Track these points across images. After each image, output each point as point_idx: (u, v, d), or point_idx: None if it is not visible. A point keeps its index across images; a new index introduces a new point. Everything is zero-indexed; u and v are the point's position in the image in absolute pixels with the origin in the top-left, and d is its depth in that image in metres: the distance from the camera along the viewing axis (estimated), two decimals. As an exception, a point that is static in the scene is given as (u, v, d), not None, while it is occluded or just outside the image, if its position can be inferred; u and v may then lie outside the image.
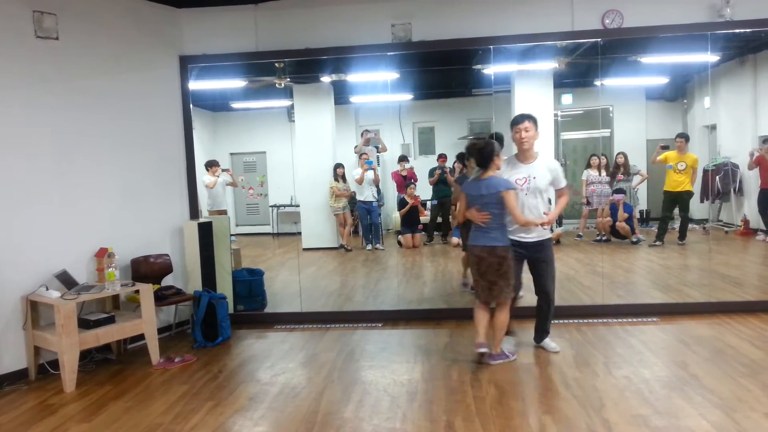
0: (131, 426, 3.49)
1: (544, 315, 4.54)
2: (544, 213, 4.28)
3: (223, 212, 7.81)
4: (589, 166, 9.08)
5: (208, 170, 7.92)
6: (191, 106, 5.71)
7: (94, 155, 4.89)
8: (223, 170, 8.17)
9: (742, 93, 8.69)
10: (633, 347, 4.49)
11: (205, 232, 5.54)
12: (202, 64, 5.73)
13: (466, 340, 4.80)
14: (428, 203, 9.38)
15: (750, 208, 8.48)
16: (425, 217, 9.46)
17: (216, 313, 5.11)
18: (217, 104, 8.91)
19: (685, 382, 3.77)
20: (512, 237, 4.27)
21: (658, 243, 8.06)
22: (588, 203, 8.96)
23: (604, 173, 8.95)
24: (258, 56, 5.69)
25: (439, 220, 9.00)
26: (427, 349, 4.66)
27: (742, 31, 5.90)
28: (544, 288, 4.44)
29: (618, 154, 8.79)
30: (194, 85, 5.78)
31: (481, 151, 4.16)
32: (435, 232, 9.15)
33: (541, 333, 4.62)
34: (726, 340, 4.53)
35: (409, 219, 9.27)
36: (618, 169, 8.69)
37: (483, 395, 3.70)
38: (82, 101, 4.80)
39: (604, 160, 8.91)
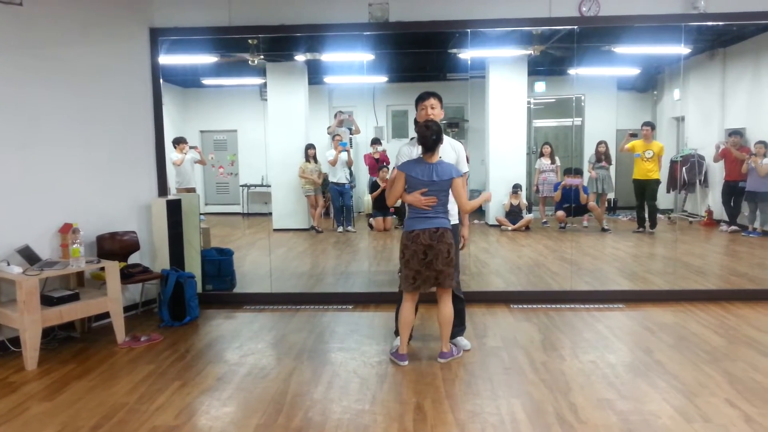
0: (95, 405, 3.42)
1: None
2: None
3: (192, 190, 7.68)
4: (541, 154, 9.23)
5: (175, 147, 7.77)
6: (161, 81, 5.56)
7: (58, 128, 4.73)
8: (190, 147, 8.03)
9: (710, 86, 8.85)
10: (599, 333, 4.57)
11: (174, 209, 5.43)
12: (173, 37, 5.58)
13: (434, 323, 4.82)
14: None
15: (714, 199, 8.69)
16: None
17: (184, 292, 5.03)
18: (188, 80, 8.74)
19: (650, 367, 3.84)
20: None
21: (640, 230, 8.24)
22: (537, 191, 9.13)
23: (554, 161, 9.15)
24: (231, 31, 5.56)
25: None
26: (397, 332, 4.66)
27: (714, 24, 6.00)
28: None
29: (600, 142, 8.92)
30: (164, 59, 5.62)
31: (434, 134, 3.79)
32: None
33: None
34: (689, 328, 4.64)
35: (381, 202, 9.25)
36: (601, 157, 8.85)
37: (452, 377, 3.73)
38: (46, 72, 4.62)
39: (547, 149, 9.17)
